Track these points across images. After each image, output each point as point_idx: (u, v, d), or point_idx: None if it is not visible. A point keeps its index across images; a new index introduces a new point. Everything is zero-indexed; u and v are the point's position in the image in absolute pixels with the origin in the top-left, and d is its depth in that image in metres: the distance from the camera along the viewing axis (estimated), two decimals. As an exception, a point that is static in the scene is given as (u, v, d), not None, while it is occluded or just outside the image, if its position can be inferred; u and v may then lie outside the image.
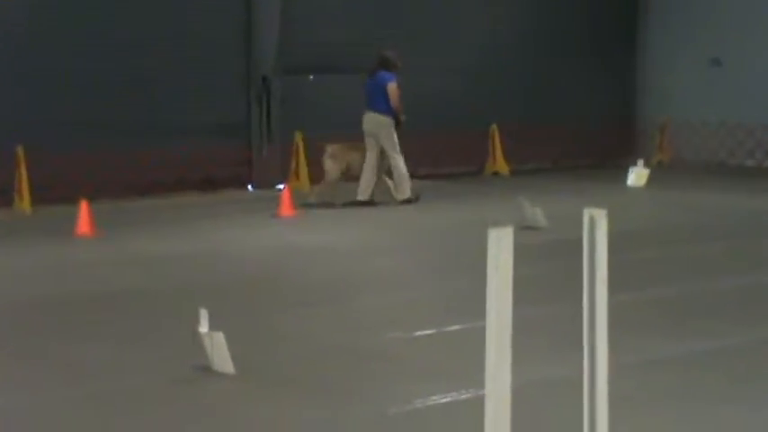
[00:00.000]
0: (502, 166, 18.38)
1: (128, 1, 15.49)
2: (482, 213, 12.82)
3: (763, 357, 6.51)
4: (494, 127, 18.32)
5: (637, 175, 16.29)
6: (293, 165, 16.36)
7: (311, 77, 17.05)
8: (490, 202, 14.56)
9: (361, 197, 14.20)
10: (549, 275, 8.95)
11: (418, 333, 7.17)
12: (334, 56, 17.27)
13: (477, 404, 5.44)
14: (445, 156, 18.36)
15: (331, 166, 14.43)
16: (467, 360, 6.15)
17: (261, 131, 16.54)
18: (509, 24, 19.22)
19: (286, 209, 13.10)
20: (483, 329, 7.46)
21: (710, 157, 20.31)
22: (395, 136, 14.33)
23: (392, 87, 14.27)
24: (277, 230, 12.25)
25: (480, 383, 5.85)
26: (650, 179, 16.14)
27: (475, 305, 7.49)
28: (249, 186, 16.49)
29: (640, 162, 16.64)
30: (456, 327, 7.23)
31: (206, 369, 6.16)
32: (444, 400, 5.64)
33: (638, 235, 11.55)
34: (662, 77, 20.94)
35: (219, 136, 16.26)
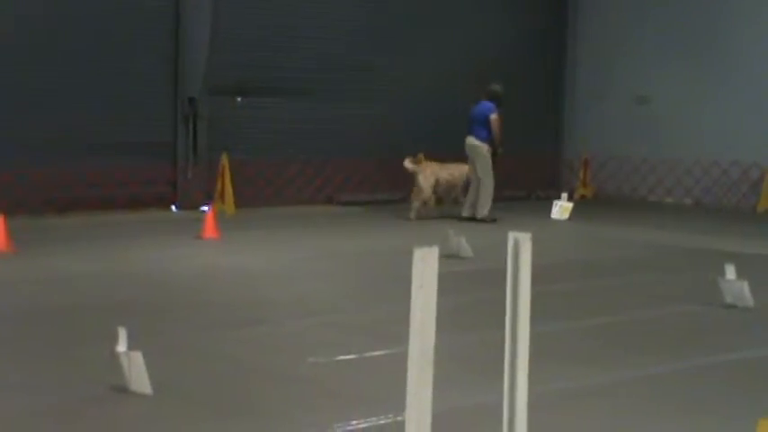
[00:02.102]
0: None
1: (54, 16, 15.29)
2: (408, 240, 12.84)
3: (686, 385, 6.59)
4: (420, 156, 18.37)
5: (561, 209, 16.47)
6: (219, 186, 16.25)
7: (239, 99, 16.99)
8: (415, 230, 14.60)
9: (480, 215, 15.50)
10: (473, 304, 8.98)
11: (340, 357, 7.13)
12: (262, 78, 17.24)
13: (397, 429, 5.43)
14: (374, 183, 18.41)
15: (425, 186, 15.77)
16: (388, 385, 6.13)
17: (187, 152, 16.42)
18: (443, 58, 19.37)
19: (210, 230, 12.98)
20: (406, 355, 7.45)
21: (632, 193, 20.65)
22: (490, 162, 15.57)
23: (494, 118, 15.55)
24: (200, 252, 12.13)
25: (401, 409, 5.84)
26: (574, 213, 16.33)
27: (399, 331, 7.49)
28: (173, 207, 16.33)
29: (564, 196, 16.84)
30: (379, 352, 7.20)
31: (123, 389, 6.05)
32: (363, 426, 5.60)
33: (561, 267, 11.68)
34: (588, 113, 21.28)
35: (144, 155, 16.11)
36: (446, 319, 8.16)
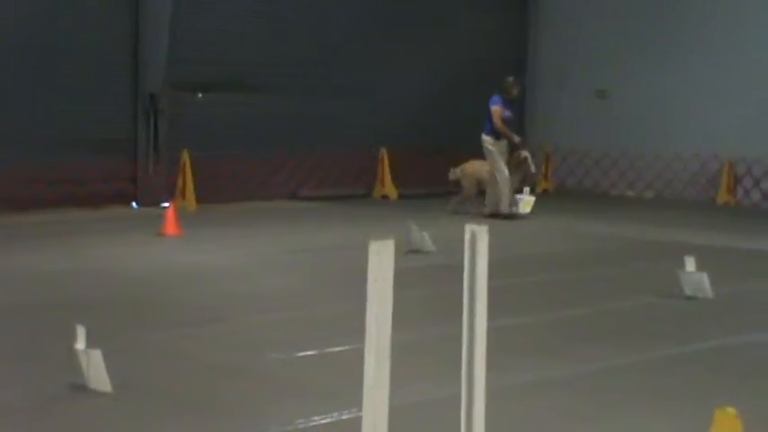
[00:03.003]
0: (390, 190, 18.47)
1: (11, 12, 15.11)
2: (369, 236, 12.80)
3: (647, 377, 6.62)
4: (383, 151, 18.40)
5: (523, 203, 16.50)
6: (180, 183, 16.14)
7: (200, 95, 16.89)
8: (378, 225, 14.59)
9: (503, 210, 15.37)
10: (435, 298, 8.98)
11: (301, 353, 7.10)
12: (224, 74, 17.16)
13: (360, 424, 5.42)
14: (334, 178, 18.38)
15: (466, 184, 15.96)
16: (350, 380, 6.10)
17: (147, 148, 16.30)
18: (404, 54, 19.36)
19: (171, 227, 12.89)
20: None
21: (594, 187, 20.76)
22: (496, 156, 15.41)
23: (494, 109, 15.42)
24: (160, 249, 12.04)
25: (362, 404, 5.83)
26: (536, 206, 16.37)
27: (361, 325, 7.47)
28: (134, 203, 16.21)
29: (527, 190, 16.88)
30: (340, 348, 7.18)
31: (82, 387, 5.99)
32: (325, 421, 5.58)
33: (523, 260, 11.72)
34: (549, 107, 21.36)
35: (105, 152, 15.98)
36: (406, 313, 8.17)
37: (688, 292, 9.32)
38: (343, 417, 5.61)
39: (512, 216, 15.37)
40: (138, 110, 16.30)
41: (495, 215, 15.34)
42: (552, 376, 6.64)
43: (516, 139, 15.59)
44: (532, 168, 16.16)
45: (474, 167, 15.99)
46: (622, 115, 20.26)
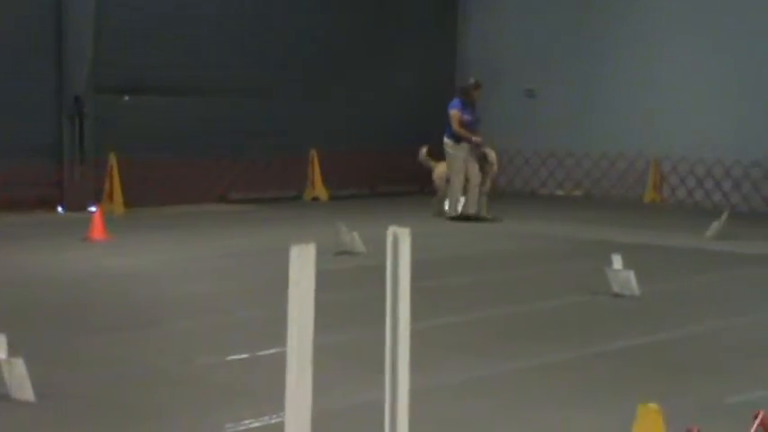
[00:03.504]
0: (321, 191, 18.43)
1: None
2: (300, 238, 12.75)
3: (575, 375, 6.67)
4: (313, 152, 18.35)
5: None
6: (107, 186, 15.93)
7: (126, 98, 16.68)
8: (308, 226, 14.54)
9: (449, 213, 15.38)
10: (363, 299, 8.96)
11: (231, 357, 7.04)
12: (151, 76, 16.96)
13: None
14: (264, 181, 18.28)
15: (439, 185, 15.80)
16: (281, 384, 6.06)
17: (73, 152, 16.04)
18: (329, 50, 19.32)
19: (97, 232, 12.70)
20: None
21: (523, 186, 20.91)
22: (457, 160, 15.37)
23: (452, 113, 15.43)
24: (87, 254, 11.85)
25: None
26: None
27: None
28: (60, 208, 15.96)
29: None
30: (271, 350, 7.12)
31: (3, 397, 5.86)
32: (256, 425, 5.53)
33: (453, 261, 11.76)
34: (479, 108, 21.42)
35: (29, 156, 15.69)
36: (334, 316, 8.15)
37: (615, 289, 9.42)
38: (273, 421, 5.57)
39: (452, 218, 15.36)
40: (63, 113, 16.04)
41: (458, 218, 15.34)
42: (481, 375, 6.66)
43: (475, 139, 15.50)
44: (495, 168, 16.13)
45: (443, 169, 15.89)
46: (551, 114, 20.44)
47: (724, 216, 13.83)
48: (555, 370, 6.87)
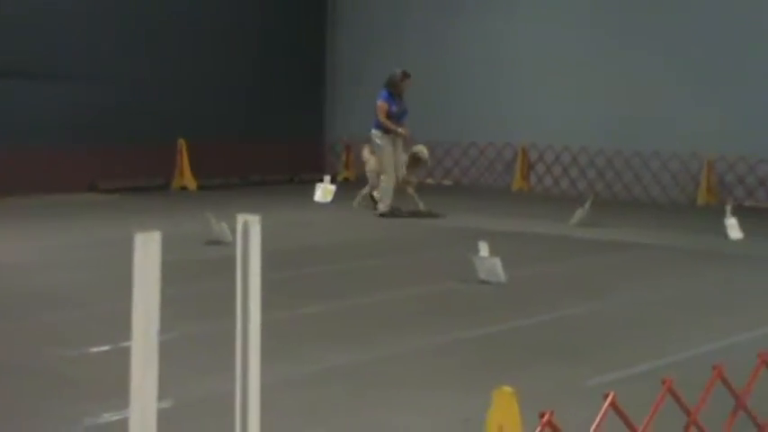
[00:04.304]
0: (190, 180, 18.21)
1: None
2: (168, 228, 12.59)
3: (438, 360, 6.74)
4: (181, 141, 18.12)
5: (323, 191, 16.60)
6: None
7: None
8: (177, 216, 14.36)
9: (382, 209, 14.90)
10: (230, 289, 8.87)
11: (94, 349, 6.91)
12: (15, 62, 16.50)
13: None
14: (130, 169, 17.96)
15: (369, 177, 15.36)
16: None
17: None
18: (199, 43, 19.10)
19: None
20: (163, 344, 7.26)
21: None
22: (386, 152, 14.94)
23: (379, 105, 14.99)
24: (-55, 245, 11.47)
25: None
26: (337, 195, 16.48)
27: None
28: None
29: (327, 178, 16.98)
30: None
31: None
32: (116, 418, 5.44)
33: (323, 249, 11.77)
34: (350, 96, 21.50)
35: None
36: (199, 306, 8.07)
37: (482, 276, 9.56)
38: (135, 413, 5.47)
39: (388, 215, 14.89)
40: None
41: (390, 215, 14.86)
42: (341, 363, 6.68)
43: (400, 131, 15.17)
44: (427, 161, 15.98)
45: (374, 162, 15.52)
46: (419, 105, 20.58)
47: (587, 204, 14.18)
48: (417, 356, 6.94)
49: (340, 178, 20.08)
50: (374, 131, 15.14)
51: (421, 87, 20.59)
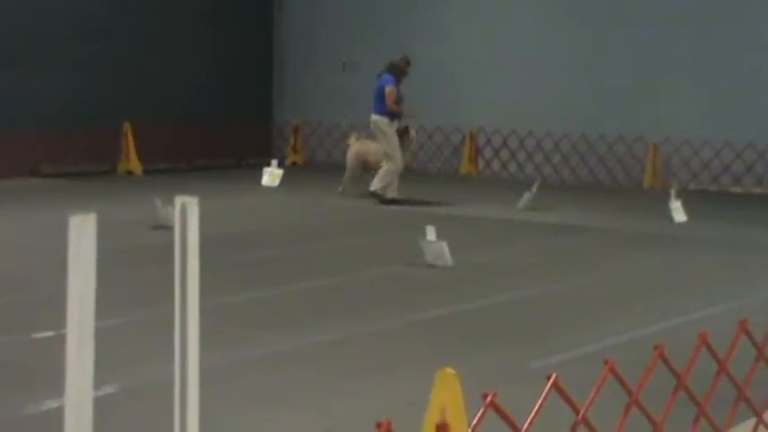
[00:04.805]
0: (136, 165, 18.04)
1: None
2: (114, 213, 12.47)
3: (383, 345, 6.74)
4: (127, 125, 17.93)
5: (271, 176, 16.53)
6: None
7: None
8: (123, 201, 14.22)
9: (389, 195, 14.62)
10: (167, 276, 8.81)
11: (36, 335, 6.82)
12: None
13: (95, 407, 5.25)
14: (74, 154, 17.76)
15: (350, 164, 15.08)
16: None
17: None
18: (144, 20, 18.90)
19: None
20: (109, 329, 7.22)
21: (343, 159, 20.96)
22: (392, 137, 14.72)
23: (389, 90, 14.72)
24: None
25: (99, 385, 5.64)
26: (284, 179, 16.42)
27: (100, 305, 7.24)
28: None
29: (275, 162, 16.90)
30: (77, 328, 6.93)
31: None
32: (56, 405, 5.38)
33: (269, 234, 11.72)
34: (297, 80, 21.42)
35: None
36: (145, 292, 8.00)
37: (429, 260, 9.58)
38: (78, 400, 5.41)
39: (396, 202, 14.65)
40: None
41: (380, 198, 14.67)
42: (288, 348, 6.66)
43: (410, 112, 15.25)
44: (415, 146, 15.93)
45: (359, 148, 15.29)
46: (368, 87, 20.54)
47: (535, 187, 14.25)
48: (363, 341, 6.93)
49: (288, 162, 20.00)
50: (379, 118, 14.84)
51: (368, 71, 20.59)
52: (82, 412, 2.11)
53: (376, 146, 15.17)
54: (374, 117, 14.89)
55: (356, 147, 15.38)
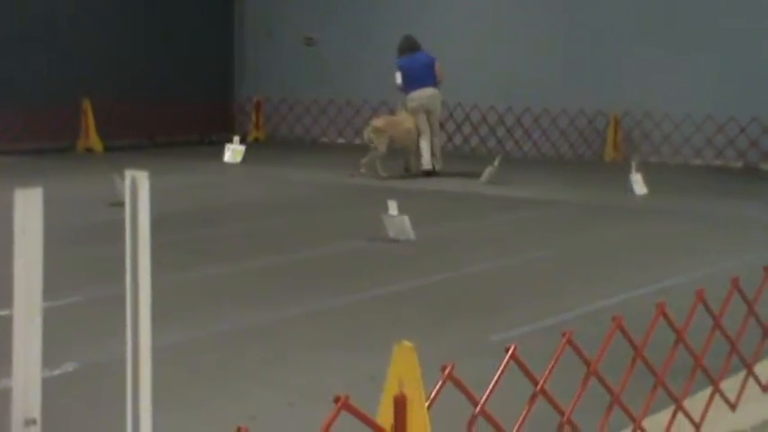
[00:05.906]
0: (95, 142, 17.88)
1: None
2: (72, 190, 12.36)
3: (348, 320, 6.74)
4: (86, 102, 17.75)
5: (233, 152, 16.45)
6: None
7: None
8: (82, 178, 14.10)
9: (426, 167, 14.85)
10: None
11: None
12: None
13: (60, 383, 5.21)
14: (32, 131, 17.55)
15: (377, 140, 14.50)
16: (63, 336, 5.91)
17: None
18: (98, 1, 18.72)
19: None
20: (64, 308, 7.14)
21: (305, 135, 20.93)
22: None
23: (438, 63, 15.10)
24: None
25: (55, 364, 5.60)
26: (246, 156, 16.35)
27: (58, 283, 7.19)
28: None
29: (237, 139, 16.81)
30: (52, 303, 6.86)
31: None
32: (3, 387, 5.32)
33: (231, 210, 11.67)
34: (258, 55, 21.30)
35: None
36: (103, 269, 7.94)
37: (391, 234, 9.58)
38: (44, 374, 5.36)
39: (430, 173, 14.89)
40: None
41: (425, 173, 14.83)
42: (248, 324, 6.64)
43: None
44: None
45: (385, 123, 14.80)
46: (330, 62, 20.50)
47: (497, 161, 14.27)
48: (326, 315, 6.92)
49: (250, 138, 19.90)
50: (436, 91, 15.06)
51: (331, 45, 20.51)
52: (29, 393, 2.09)
53: (401, 120, 14.99)
54: (433, 91, 15.06)
55: (411, 121, 14.99)
